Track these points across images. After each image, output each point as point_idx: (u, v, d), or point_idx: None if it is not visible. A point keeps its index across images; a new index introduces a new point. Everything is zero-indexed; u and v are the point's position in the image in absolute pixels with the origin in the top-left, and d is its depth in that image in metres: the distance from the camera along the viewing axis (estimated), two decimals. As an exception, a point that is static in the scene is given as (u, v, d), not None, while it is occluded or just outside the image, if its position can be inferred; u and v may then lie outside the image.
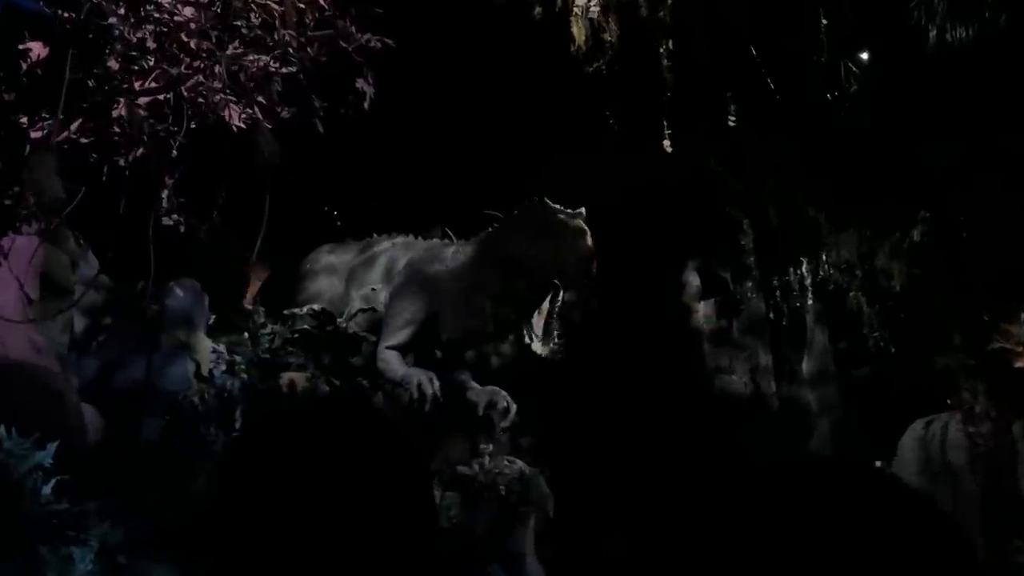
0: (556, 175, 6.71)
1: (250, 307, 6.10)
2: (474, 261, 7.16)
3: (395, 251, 7.64)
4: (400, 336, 7.14)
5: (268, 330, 6.17)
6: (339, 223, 8.18)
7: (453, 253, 7.40)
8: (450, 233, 7.71)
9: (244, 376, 5.21)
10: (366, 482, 1.29)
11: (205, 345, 5.42)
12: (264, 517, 1.21)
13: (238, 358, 5.49)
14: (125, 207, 4.94)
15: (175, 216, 4.38)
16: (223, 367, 5.26)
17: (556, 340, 7.57)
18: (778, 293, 10.15)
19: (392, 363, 7.04)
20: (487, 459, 7.96)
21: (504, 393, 7.67)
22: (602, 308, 9.53)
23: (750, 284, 9.77)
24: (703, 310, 9.71)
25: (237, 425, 4.69)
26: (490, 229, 7.20)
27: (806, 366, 9.69)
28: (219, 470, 1.33)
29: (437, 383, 6.93)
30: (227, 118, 4.31)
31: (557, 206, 6.52)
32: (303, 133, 5.45)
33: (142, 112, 4.21)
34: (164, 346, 5.21)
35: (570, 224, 6.53)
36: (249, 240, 7.21)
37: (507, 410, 7.67)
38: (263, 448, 1.29)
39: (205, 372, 5.11)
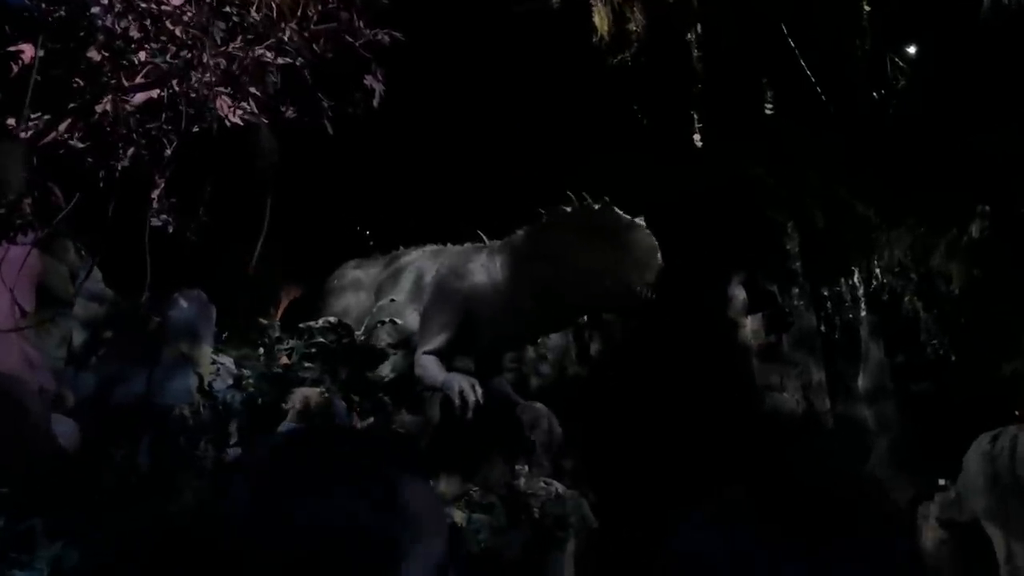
0: (581, 178, 6.32)
1: (265, 321, 5.79)
2: (512, 261, 6.80)
3: (423, 261, 7.32)
4: (437, 341, 6.80)
5: (287, 345, 5.87)
6: (369, 239, 7.87)
7: (488, 254, 7.04)
8: (483, 236, 7.34)
9: (252, 390, 4.89)
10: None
11: (210, 358, 5.12)
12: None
13: (246, 372, 5.19)
14: (124, 213, 4.70)
15: (164, 216, 4.08)
16: (229, 381, 4.94)
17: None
18: (829, 304, 9.80)
19: (430, 368, 6.69)
20: (522, 480, 7.56)
21: (547, 413, 7.25)
22: (644, 326, 9.19)
23: (799, 295, 9.39)
24: (750, 325, 9.32)
25: (232, 441, 4.37)
26: (529, 227, 6.81)
27: (861, 381, 9.19)
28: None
29: (480, 389, 6.55)
30: (220, 111, 4.00)
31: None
32: (317, 138, 5.17)
33: (129, 108, 3.93)
34: (165, 359, 4.93)
35: (639, 234, 6.15)
36: (270, 253, 6.97)
37: (550, 432, 7.26)
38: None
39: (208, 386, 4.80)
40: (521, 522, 6.83)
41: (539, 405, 7.21)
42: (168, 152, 4.17)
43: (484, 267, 6.96)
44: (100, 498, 3.28)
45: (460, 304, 6.86)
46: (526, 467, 7.71)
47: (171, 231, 4.16)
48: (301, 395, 5.40)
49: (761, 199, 7.71)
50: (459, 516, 6.21)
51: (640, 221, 6.25)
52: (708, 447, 8.26)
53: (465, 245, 7.34)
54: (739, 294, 9.35)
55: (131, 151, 4.10)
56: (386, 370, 6.82)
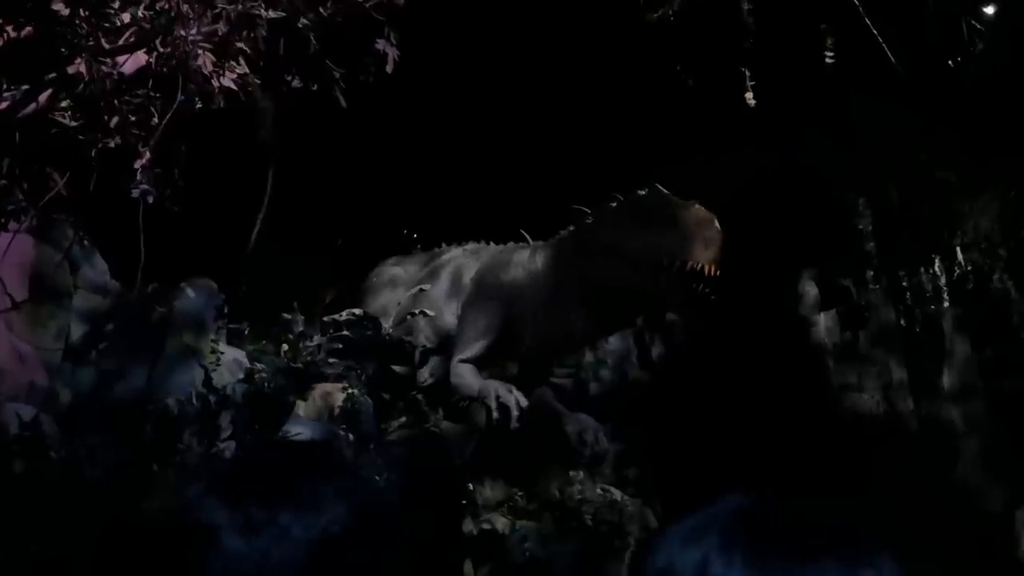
0: (624, 163, 5.78)
1: (288, 316, 5.36)
2: (558, 260, 6.37)
3: (463, 259, 6.87)
4: (475, 348, 6.37)
5: (314, 341, 5.44)
6: (412, 237, 7.44)
7: (531, 254, 6.59)
8: (526, 235, 6.86)
9: (264, 385, 4.45)
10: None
11: (212, 350, 4.68)
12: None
13: (260, 366, 4.74)
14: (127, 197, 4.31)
15: (143, 186, 3.66)
16: (240, 375, 4.51)
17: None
18: (908, 296, 9.15)
19: (467, 377, 6.26)
20: (576, 487, 7.00)
21: (594, 426, 6.71)
22: (709, 328, 8.61)
23: (875, 288, 8.70)
24: (823, 323, 8.62)
25: (224, 435, 3.91)
26: (576, 224, 6.36)
27: (946, 378, 8.38)
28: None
29: (518, 394, 6.01)
30: (203, 68, 3.57)
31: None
32: (346, 126, 4.73)
33: (105, 69, 3.53)
34: (169, 352, 4.51)
35: (692, 210, 5.66)
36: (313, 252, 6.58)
37: (596, 443, 6.71)
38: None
39: (218, 380, 4.36)
40: (572, 530, 6.25)
41: (585, 416, 6.67)
42: (155, 121, 3.74)
43: (527, 267, 6.50)
44: (40, 492, 2.86)
45: (501, 307, 6.42)
46: (581, 474, 7.16)
47: (151, 201, 3.73)
48: (321, 391, 4.95)
49: (827, 176, 6.99)
50: (501, 523, 5.67)
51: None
52: (782, 453, 7.62)
53: (507, 244, 6.91)
54: (810, 290, 8.69)
55: (115, 120, 3.69)
56: (424, 375, 6.36)
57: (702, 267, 5.41)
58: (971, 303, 8.38)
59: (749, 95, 5.66)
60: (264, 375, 4.61)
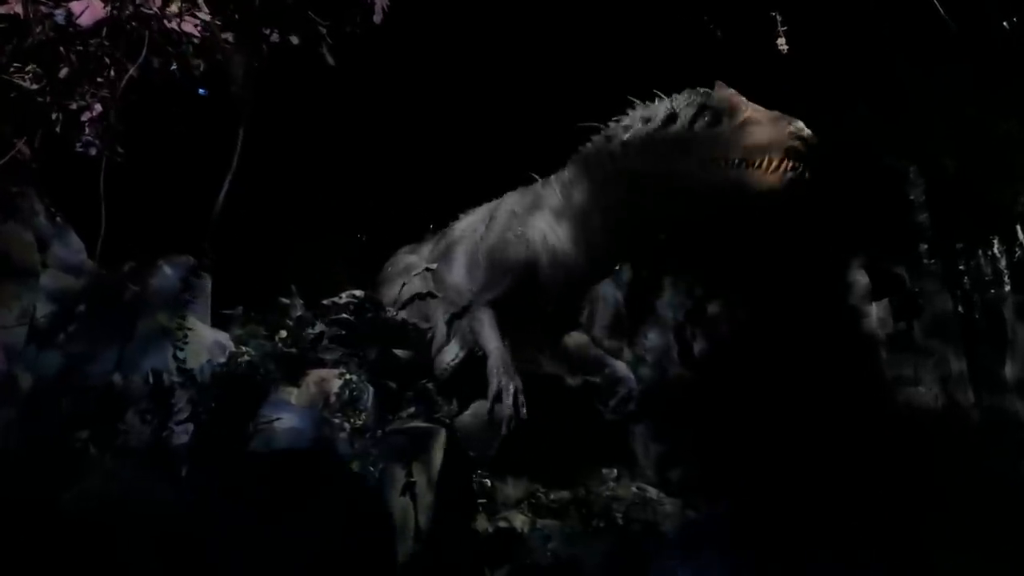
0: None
1: (287, 300, 4.90)
2: (580, 180, 5.63)
3: (475, 225, 6.17)
4: (499, 286, 5.67)
5: (316, 327, 4.96)
6: (427, 223, 6.94)
7: (546, 186, 5.90)
8: (535, 176, 6.16)
9: (245, 369, 3.99)
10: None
11: (199, 333, 4.23)
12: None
13: (245, 349, 4.28)
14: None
15: (86, 137, 3.22)
16: (222, 359, 4.04)
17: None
18: (966, 282, 8.52)
19: (486, 328, 5.59)
20: (610, 484, 6.43)
21: (628, 378, 6.03)
22: (754, 321, 8.05)
23: (930, 274, 8.07)
24: (876, 313, 8.01)
25: (180, 418, 3.45)
26: (595, 138, 5.60)
27: (1009, 368, 7.79)
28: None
29: (522, 398, 5.38)
30: (160, 13, 3.13)
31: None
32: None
33: (44, 10, 3.10)
34: (141, 334, 4.07)
35: (727, 94, 4.85)
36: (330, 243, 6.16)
37: (625, 400, 5.98)
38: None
39: (193, 362, 3.89)
40: (600, 530, 5.67)
41: (623, 367, 6.21)
42: (110, 73, 3.30)
43: (546, 198, 5.81)
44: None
45: (523, 246, 5.70)
46: (615, 471, 6.60)
47: (93, 155, 3.28)
48: (316, 377, 4.47)
49: (875, 149, 6.31)
50: (519, 521, 5.12)
51: None
52: (835, 452, 7.01)
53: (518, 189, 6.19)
54: (861, 279, 8.11)
55: (65, 72, 3.26)
56: (450, 355, 5.82)
57: (783, 159, 4.54)
58: (1033, 283, 7.79)
59: (781, 40, 5.03)
60: (248, 359, 4.15)
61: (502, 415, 5.25)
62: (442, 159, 6.83)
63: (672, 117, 5.00)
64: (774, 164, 4.45)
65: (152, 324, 4.04)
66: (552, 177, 5.87)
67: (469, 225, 6.16)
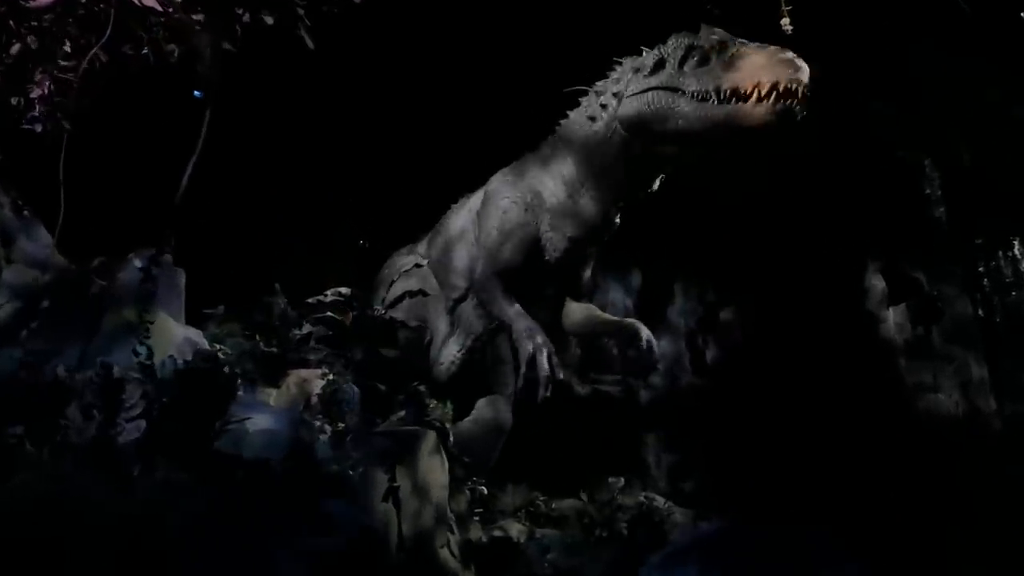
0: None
1: (271, 299, 4.63)
2: (574, 139, 5.34)
3: (471, 211, 5.85)
4: (504, 253, 5.33)
5: (303, 328, 4.69)
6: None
7: (536, 153, 5.61)
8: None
9: (237, 369, 3.72)
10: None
11: (169, 329, 3.96)
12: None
13: (220, 347, 4.01)
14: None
15: (32, 114, 2.98)
16: (188, 357, 3.77)
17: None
18: (986, 284, 8.23)
19: (499, 297, 5.27)
20: (616, 493, 6.09)
21: (647, 334, 5.56)
22: (768, 327, 7.77)
23: (948, 277, 7.79)
24: (893, 318, 7.76)
25: (132, 414, 3.17)
26: (583, 99, 5.37)
27: None
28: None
29: (555, 358, 5.03)
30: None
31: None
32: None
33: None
34: (107, 329, 3.81)
35: (729, 40, 4.61)
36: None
37: (648, 354, 5.51)
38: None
39: (159, 359, 3.61)
40: (603, 539, 5.34)
41: (639, 323, 5.63)
42: (67, 48, 3.06)
43: (540, 163, 5.51)
44: None
45: (520, 209, 5.41)
46: (621, 480, 6.27)
47: (39, 131, 3.04)
48: (297, 378, 4.19)
49: (886, 134, 5.97)
50: (516, 530, 4.80)
51: None
52: (853, 462, 6.70)
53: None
54: (878, 284, 7.84)
55: (16, 48, 3.02)
56: (453, 350, 5.51)
57: (795, 87, 4.27)
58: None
59: (786, 21, 4.74)
60: (221, 356, 3.87)
61: (539, 377, 4.90)
62: (430, 144, 6.52)
63: (661, 63, 4.85)
64: (764, 91, 4.27)
65: (118, 319, 3.79)
66: (542, 144, 5.59)
67: (462, 212, 5.85)
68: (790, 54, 4.31)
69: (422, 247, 6.11)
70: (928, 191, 6.79)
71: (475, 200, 5.76)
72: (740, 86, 4.34)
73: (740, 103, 4.35)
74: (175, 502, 2.73)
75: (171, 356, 3.47)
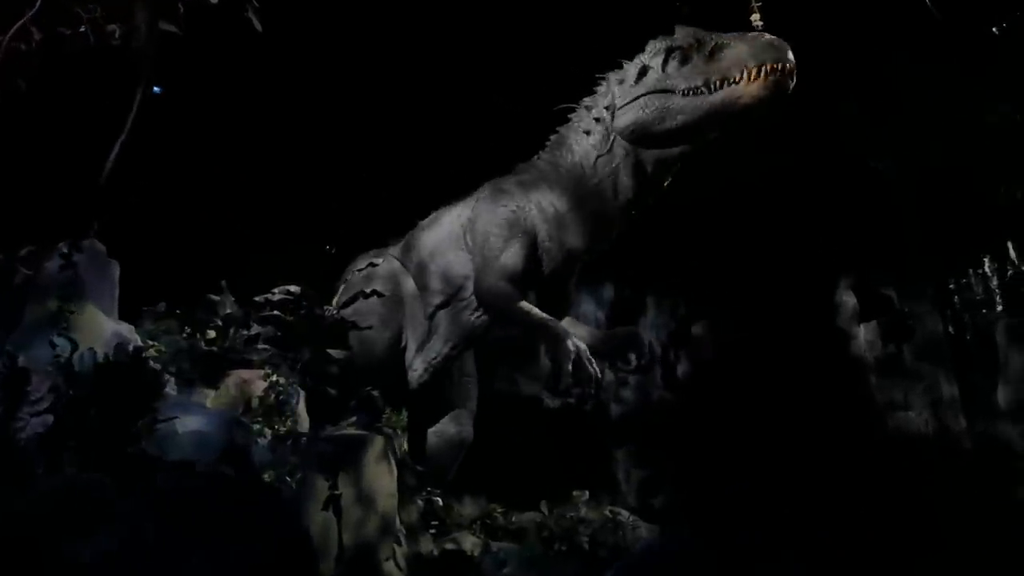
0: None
1: (216, 297, 4.35)
2: (571, 153, 5.19)
3: (459, 216, 5.57)
4: (511, 260, 5.04)
5: (252, 328, 4.41)
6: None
7: (531, 165, 5.40)
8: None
9: (165, 367, 3.45)
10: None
11: (97, 323, 3.68)
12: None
13: (154, 344, 3.73)
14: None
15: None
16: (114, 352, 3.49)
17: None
18: (956, 302, 8.15)
19: (517, 304, 4.94)
20: (580, 507, 5.81)
21: (639, 336, 5.37)
22: (739, 343, 7.64)
23: (919, 295, 7.70)
24: (864, 335, 7.73)
25: (38, 408, 2.90)
26: (573, 115, 5.25)
27: (1001, 393, 7.38)
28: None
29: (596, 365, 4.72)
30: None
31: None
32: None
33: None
34: (30, 320, 3.53)
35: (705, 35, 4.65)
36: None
37: (647, 353, 5.35)
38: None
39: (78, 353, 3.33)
40: (563, 553, 5.07)
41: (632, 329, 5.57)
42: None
43: (535, 175, 5.32)
44: None
45: (522, 216, 5.15)
46: (587, 493, 5.99)
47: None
48: (237, 379, 3.91)
49: (853, 141, 5.82)
50: (469, 543, 4.52)
51: None
52: (823, 479, 6.51)
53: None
54: (849, 300, 7.84)
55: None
56: (418, 368, 5.24)
57: (784, 64, 4.34)
58: (1024, 303, 7.42)
59: (756, 16, 4.59)
60: (154, 353, 3.60)
61: (589, 377, 4.62)
62: (396, 141, 6.29)
63: (644, 70, 4.85)
64: (754, 73, 4.37)
65: (41, 310, 3.51)
66: (536, 157, 5.39)
67: (448, 218, 5.55)
68: (768, 36, 4.40)
69: (395, 250, 5.80)
70: (900, 205, 6.67)
71: (462, 207, 5.47)
72: (728, 76, 4.42)
73: (733, 86, 4.43)
74: (81, 505, 2.45)
75: (90, 349, 3.19)
